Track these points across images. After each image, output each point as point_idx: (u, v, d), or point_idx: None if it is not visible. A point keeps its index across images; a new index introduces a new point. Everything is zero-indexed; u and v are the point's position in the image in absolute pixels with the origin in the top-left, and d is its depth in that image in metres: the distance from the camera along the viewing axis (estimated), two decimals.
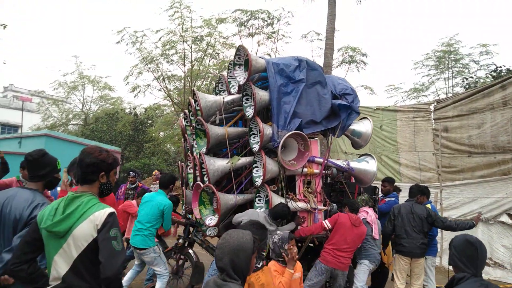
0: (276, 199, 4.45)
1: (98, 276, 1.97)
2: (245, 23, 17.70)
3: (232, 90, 5.23)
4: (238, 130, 5.08)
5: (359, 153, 9.12)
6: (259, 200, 4.65)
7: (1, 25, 12.00)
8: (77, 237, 1.96)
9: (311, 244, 5.05)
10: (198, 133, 4.97)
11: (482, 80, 17.47)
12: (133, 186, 7.46)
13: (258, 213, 4.26)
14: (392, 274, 5.30)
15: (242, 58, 4.84)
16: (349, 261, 4.57)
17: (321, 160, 4.96)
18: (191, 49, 18.96)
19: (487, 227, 7.61)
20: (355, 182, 5.59)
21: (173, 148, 26.67)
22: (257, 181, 4.58)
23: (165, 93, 20.06)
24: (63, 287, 1.98)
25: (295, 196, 4.67)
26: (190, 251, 5.47)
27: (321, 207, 4.80)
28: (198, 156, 4.96)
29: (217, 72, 19.67)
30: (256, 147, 4.61)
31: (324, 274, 4.41)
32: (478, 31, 44.06)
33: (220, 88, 5.86)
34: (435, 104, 9.19)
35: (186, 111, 6.19)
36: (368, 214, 4.88)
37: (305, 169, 4.73)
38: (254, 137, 4.70)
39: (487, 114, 8.07)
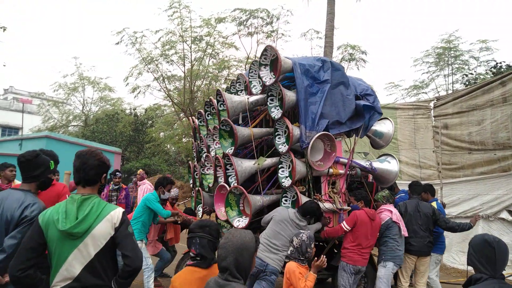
0: (305, 200, 4.49)
1: (110, 272, 2.13)
2: (244, 22, 17.69)
3: (253, 90, 5.22)
4: (262, 130, 5.09)
5: (362, 151, 9.12)
6: (286, 200, 4.67)
7: (1, 28, 12.00)
8: (96, 236, 2.06)
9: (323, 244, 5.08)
10: (222, 134, 4.98)
11: (482, 77, 17.46)
12: (117, 187, 7.34)
13: (288, 210, 4.29)
14: (396, 272, 5.27)
15: (268, 58, 4.82)
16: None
17: (346, 160, 5.00)
18: (190, 49, 18.97)
19: (488, 224, 7.61)
20: (376, 181, 5.62)
21: (173, 148, 26.68)
22: (284, 182, 4.59)
23: (165, 93, 20.09)
24: (77, 286, 2.04)
25: (321, 196, 4.68)
26: None
27: (346, 207, 4.82)
28: (222, 156, 5.03)
29: (217, 71, 19.67)
30: (282, 148, 4.61)
31: (354, 274, 4.43)
32: (478, 27, 44.02)
33: (238, 87, 5.79)
34: (435, 101, 9.19)
35: (202, 110, 6.23)
36: (393, 213, 4.69)
37: (331, 170, 4.76)
38: (279, 138, 4.71)
39: (487, 110, 8.06)
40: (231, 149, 4.93)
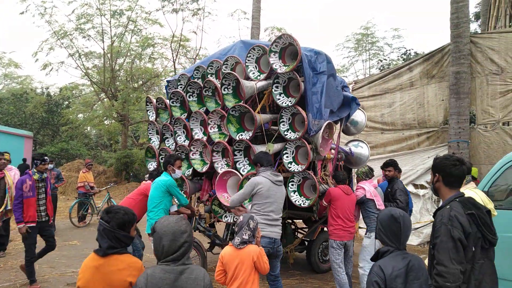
0: (323, 186, 4.87)
1: None
2: None
3: (251, 75, 5.21)
4: (267, 116, 5.16)
5: None
6: (292, 184, 4.87)
7: None
8: None
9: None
10: (230, 119, 4.99)
11: (394, 62, 19.04)
12: (45, 176, 5.11)
13: (262, 177, 4.05)
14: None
15: (279, 46, 4.88)
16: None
17: (334, 146, 5.47)
18: (110, 23, 17.62)
19: None
20: (348, 164, 6.08)
21: (94, 131, 24.95)
22: (290, 167, 4.78)
23: (83, 71, 18.51)
24: None
25: (318, 178, 4.88)
26: (196, 240, 5.17)
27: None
28: (229, 142, 5.09)
29: (141, 49, 18.61)
30: (289, 135, 4.76)
31: (342, 248, 4.65)
32: (392, 15, 47.57)
33: (224, 70, 5.48)
34: (353, 84, 9.78)
35: (180, 90, 6.01)
36: (366, 190, 4.78)
37: (325, 155, 5.06)
38: (283, 125, 4.82)
39: (397, 94, 8.83)
40: (242, 134, 4.98)
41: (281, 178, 4.12)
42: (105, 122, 20.52)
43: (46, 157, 5.05)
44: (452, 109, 7.64)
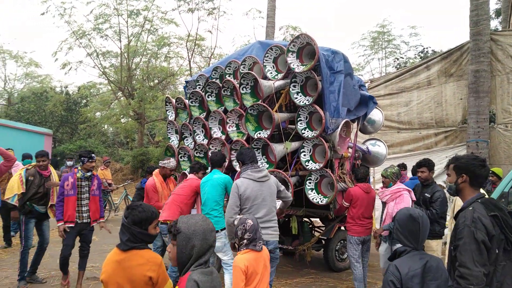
0: (341, 184, 4.91)
1: None
2: None
3: (268, 75, 5.30)
4: (285, 115, 5.25)
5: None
6: (310, 182, 4.93)
7: None
8: None
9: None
10: (248, 118, 5.09)
11: (411, 61, 18.75)
12: (89, 174, 4.81)
13: (243, 179, 3.83)
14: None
15: (297, 46, 4.96)
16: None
17: (352, 144, 5.53)
18: (127, 23, 17.89)
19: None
20: (366, 163, 6.11)
21: (111, 129, 25.39)
22: (308, 166, 4.87)
23: (100, 70, 18.84)
24: None
25: (336, 176, 4.93)
26: None
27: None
28: (246, 140, 5.22)
29: (157, 48, 18.82)
30: (306, 133, 4.84)
31: (360, 244, 4.67)
32: (408, 13, 46.77)
33: (242, 70, 5.54)
34: (369, 83, 9.69)
35: (198, 90, 6.15)
36: (411, 193, 4.38)
37: (343, 153, 5.13)
38: (301, 123, 4.90)
39: (414, 92, 8.72)
40: (260, 133, 5.08)
41: (264, 173, 3.79)
42: (122, 120, 20.85)
43: (93, 155, 4.81)
44: (471, 108, 7.50)
